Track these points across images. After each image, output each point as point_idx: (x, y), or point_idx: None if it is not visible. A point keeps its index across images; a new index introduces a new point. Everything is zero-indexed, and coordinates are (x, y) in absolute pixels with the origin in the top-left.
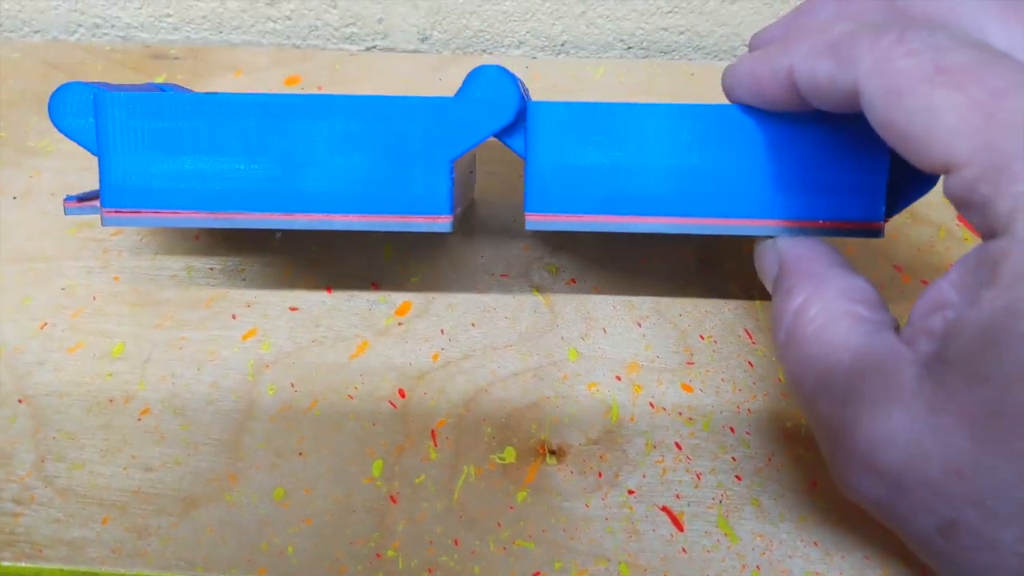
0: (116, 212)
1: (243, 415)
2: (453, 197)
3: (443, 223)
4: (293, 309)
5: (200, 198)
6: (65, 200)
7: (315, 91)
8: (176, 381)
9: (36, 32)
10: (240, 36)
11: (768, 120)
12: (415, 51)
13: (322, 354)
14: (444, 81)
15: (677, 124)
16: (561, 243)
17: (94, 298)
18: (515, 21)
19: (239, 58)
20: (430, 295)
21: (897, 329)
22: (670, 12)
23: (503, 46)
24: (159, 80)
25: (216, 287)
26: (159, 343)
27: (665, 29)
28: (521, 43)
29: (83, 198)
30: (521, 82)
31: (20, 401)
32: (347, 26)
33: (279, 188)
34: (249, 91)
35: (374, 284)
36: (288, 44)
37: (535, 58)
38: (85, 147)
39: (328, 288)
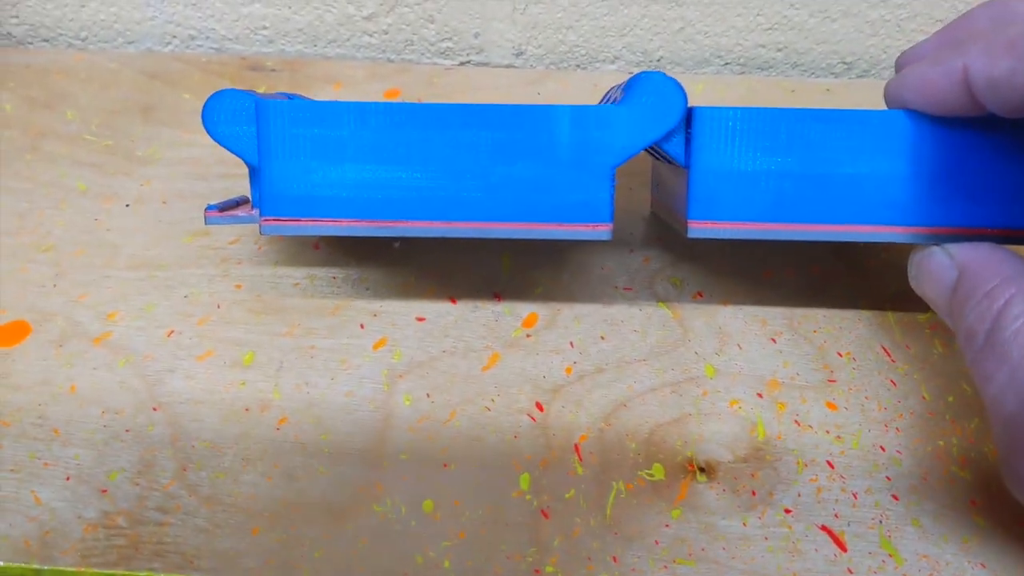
0: (276, 220)
1: (382, 425)
2: (613, 205)
3: (603, 231)
4: (420, 319)
5: (360, 206)
6: (206, 210)
7: None
8: (311, 390)
9: (130, 43)
10: (335, 50)
11: (934, 125)
12: (509, 66)
13: (454, 364)
14: (543, 96)
15: (843, 130)
16: (681, 255)
17: (218, 306)
18: (612, 36)
19: (337, 71)
20: (555, 306)
21: None
22: (769, 29)
23: (598, 61)
24: (260, 91)
25: (340, 296)
26: (289, 351)
27: (763, 46)
28: (616, 58)
29: (224, 207)
30: None
31: (155, 409)
32: (443, 40)
33: (440, 196)
34: None
35: (496, 295)
36: (383, 58)
37: (631, 73)
38: (239, 155)
39: (452, 299)
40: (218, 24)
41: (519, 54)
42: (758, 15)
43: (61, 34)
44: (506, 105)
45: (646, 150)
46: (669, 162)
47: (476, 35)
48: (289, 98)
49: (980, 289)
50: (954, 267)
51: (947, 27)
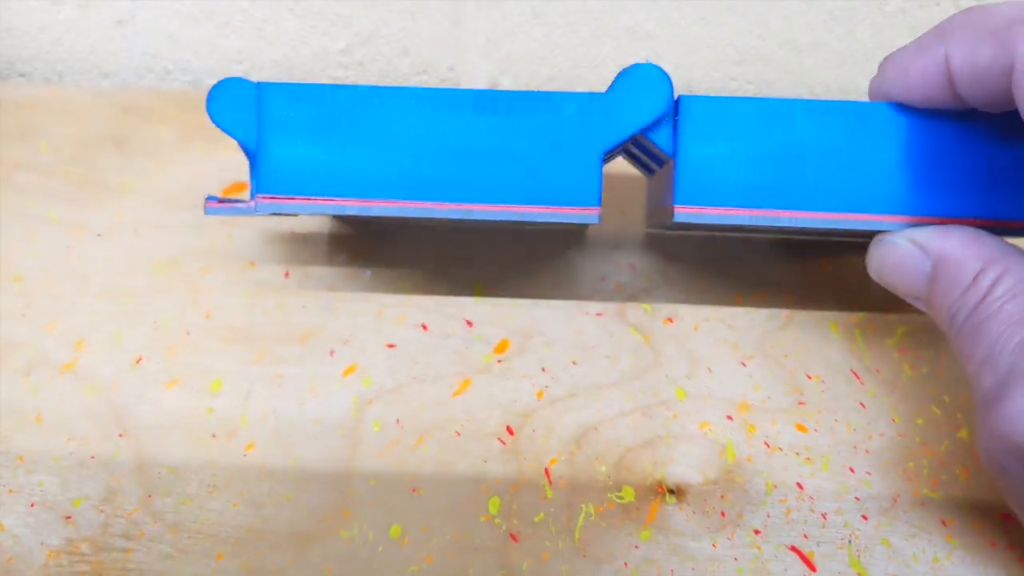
0: (270, 198)
1: (351, 451)
2: (602, 189)
3: (592, 215)
4: (390, 346)
5: (353, 185)
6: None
7: None
8: (279, 417)
9: (105, 76)
10: (310, 81)
11: (915, 116)
12: None
13: (424, 391)
14: None
15: (826, 120)
16: (653, 281)
17: (188, 333)
18: (584, 68)
19: None
20: (527, 333)
21: None
22: (739, 62)
23: None
24: None
25: (310, 324)
26: (258, 379)
27: (734, 79)
28: (590, 89)
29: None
30: None
31: (120, 435)
32: (418, 73)
33: (433, 177)
34: None
35: (468, 322)
36: None
37: None
38: (240, 140)
39: (423, 325)
40: (194, 56)
41: (493, 86)
42: (728, 47)
43: (37, 68)
44: (497, 91)
45: (635, 163)
46: (658, 163)
47: (450, 68)
48: None
49: (965, 276)
50: (927, 258)
51: (930, 29)
